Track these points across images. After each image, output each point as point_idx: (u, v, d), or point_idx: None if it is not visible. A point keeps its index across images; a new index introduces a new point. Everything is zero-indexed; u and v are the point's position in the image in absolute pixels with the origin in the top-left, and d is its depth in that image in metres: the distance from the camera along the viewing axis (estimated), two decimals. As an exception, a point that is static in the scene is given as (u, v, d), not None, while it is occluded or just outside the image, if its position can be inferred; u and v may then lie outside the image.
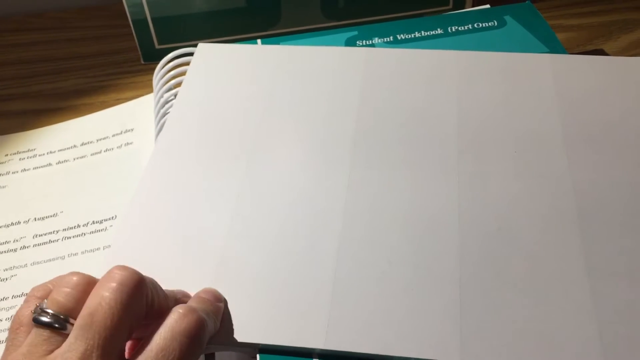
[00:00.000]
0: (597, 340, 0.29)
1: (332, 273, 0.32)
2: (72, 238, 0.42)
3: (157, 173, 0.37)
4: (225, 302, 0.31)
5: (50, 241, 0.42)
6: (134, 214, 0.35)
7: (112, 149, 0.48)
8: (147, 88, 0.53)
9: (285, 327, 0.30)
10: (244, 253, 0.33)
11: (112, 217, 0.42)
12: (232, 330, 0.30)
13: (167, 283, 0.30)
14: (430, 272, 0.32)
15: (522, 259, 0.32)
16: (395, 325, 0.30)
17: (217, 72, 0.44)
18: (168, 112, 0.43)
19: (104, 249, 0.41)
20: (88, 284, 0.26)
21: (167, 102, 0.45)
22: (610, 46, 0.54)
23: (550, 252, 0.32)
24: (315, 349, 0.29)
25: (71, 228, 0.42)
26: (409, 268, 0.32)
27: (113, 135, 0.49)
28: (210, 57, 0.45)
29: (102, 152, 0.48)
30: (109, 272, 0.26)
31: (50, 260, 0.41)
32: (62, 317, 0.25)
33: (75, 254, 0.41)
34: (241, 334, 0.30)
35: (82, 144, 0.49)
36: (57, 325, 0.25)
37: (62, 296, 0.26)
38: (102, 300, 0.25)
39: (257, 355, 0.30)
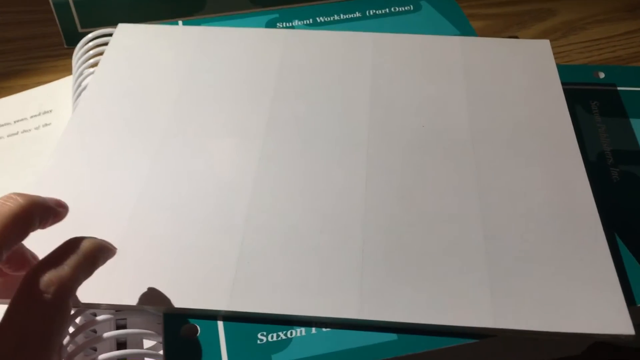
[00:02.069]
0: (489, 297, 0.30)
1: (239, 239, 0.32)
2: (-16, 217, 0.41)
3: (70, 143, 0.37)
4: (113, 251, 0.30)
5: (-39, 221, 0.41)
6: (46, 182, 0.35)
7: (30, 130, 0.47)
8: (69, 71, 0.52)
9: (190, 291, 0.30)
10: (151, 220, 0.33)
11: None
12: (137, 295, 0.30)
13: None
14: (334, 237, 0.33)
15: (422, 225, 0.33)
16: (298, 287, 0.30)
17: (135, 51, 0.44)
18: (85, 91, 0.42)
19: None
20: None
21: (85, 81, 0.45)
22: (524, 34, 0.57)
23: (449, 218, 0.34)
24: (219, 311, 0.30)
25: (-16, 207, 0.42)
26: (314, 234, 0.33)
27: (31, 117, 0.48)
28: (129, 37, 0.45)
29: (19, 133, 0.47)
30: None
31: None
32: None
33: (-12, 233, 0.40)
34: (145, 298, 0.30)
35: (-1, 126, 0.48)
36: None
37: None
38: None
39: (162, 319, 0.30)
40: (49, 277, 0.25)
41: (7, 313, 0.24)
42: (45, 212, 0.28)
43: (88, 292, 0.30)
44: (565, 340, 0.31)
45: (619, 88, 0.45)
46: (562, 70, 0.43)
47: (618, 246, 0.34)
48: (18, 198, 0.27)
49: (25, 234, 0.27)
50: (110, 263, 0.31)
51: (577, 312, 0.30)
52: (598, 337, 0.29)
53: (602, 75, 0.46)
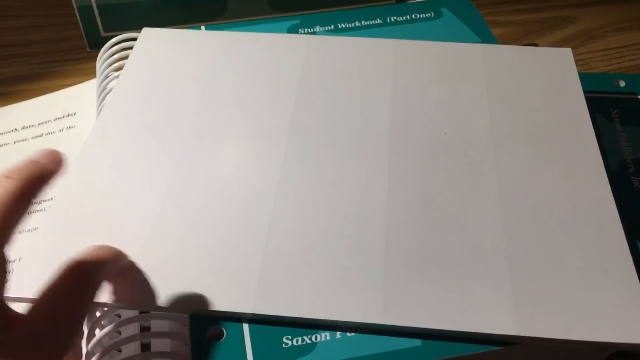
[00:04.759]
0: (512, 304, 0.30)
1: (264, 243, 0.33)
2: (9, 218, 0.42)
3: (95, 147, 0.38)
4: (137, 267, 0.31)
5: (-13, 221, 0.42)
6: (71, 184, 0.36)
7: (54, 132, 0.48)
8: (92, 75, 0.53)
9: (215, 293, 0.31)
10: (176, 223, 0.34)
11: (51, 198, 0.42)
12: (163, 297, 0.30)
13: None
14: (357, 241, 0.33)
15: (444, 230, 0.33)
16: (322, 291, 0.31)
17: (160, 55, 0.44)
18: (109, 94, 0.43)
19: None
20: None
21: (109, 85, 0.45)
22: (543, 41, 0.57)
23: (472, 224, 0.34)
24: (244, 314, 0.30)
25: (9, 209, 0.42)
26: (338, 238, 0.33)
27: (55, 119, 0.49)
28: (154, 41, 0.46)
29: (43, 135, 0.47)
30: None
31: (-14, 240, 0.40)
32: None
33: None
34: (171, 301, 0.30)
35: (23, 128, 0.48)
36: None
37: None
38: None
39: (188, 321, 0.30)
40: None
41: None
42: (42, 181, 0.27)
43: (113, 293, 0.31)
44: (586, 349, 0.31)
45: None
46: (582, 78, 0.43)
47: (641, 255, 0.34)
48: (10, 179, 0.26)
49: (25, 213, 0.26)
50: (136, 264, 0.32)
51: (600, 320, 0.30)
52: (620, 347, 0.30)
53: (622, 83, 0.46)
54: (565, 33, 0.58)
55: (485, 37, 0.47)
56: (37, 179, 0.27)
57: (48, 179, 0.27)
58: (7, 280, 0.25)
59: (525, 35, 0.57)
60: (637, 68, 0.54)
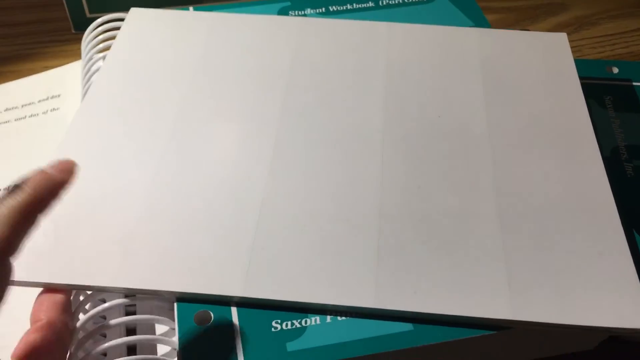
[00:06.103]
0: (506, 289, 0.30)
1: (254, 226, 0.32)
2: (-9, 201, 0.41)
3: (81, 129, 0.37)
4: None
5: (-32, 204, 0.40)
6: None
7: (38, 114, 0.46)
8: (77, 56, 0.52)
9: (203, 276, 0.30)
10: (166, 205, 0.33)
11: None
12: (150, 279, 0.30)
13: (87, 234, 0.30)
14: (350, 225, 0.32)
15: (439, 214, 0.33)
16: (313, 275, 0.30)
17: (147, 35, 0.43)
18: (95, 75, 0.42)
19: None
20: None
21: (94, 66, 0.44)
22: (536, 28, 0.56)
23: (466, 208, 0.33)
24: (233, 297, 0.29)
25: (-9, 191, 0.41)
26: (329, 222, 0.32)
27: (39, 101, 0.47)
28: (141, 21, 0.45)
29: (27, 117, 0.46)
30: None
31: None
32: None
33: (-5, 217, 0.40)
34: (159, 282, 0.30)
35: (6, 110, 0.47)
36: None
37: None
38: None
39: (175, 304, 0.30)
40: None
41: None
42: (52, 195, 0.26)
43: (100, 275, 0.30)
44: (580, 333, 0.30)
45: (634, 83, 0.45)
46: (576, 64, 0.42)
47: (636, 241, 0.34)
48: (20, 190, 0.25)
49: (33, 226, 0.25)
50: (123, 247, 0.31)
51: (594, 305, 0.29)
52: (614, 331, 0.29)
53: (615, 70, 0.46)
54: (559, 20, 0.57)
55: (479, 23, 0.47)
56: (47, 192, 0.26)
57: (58, 192, 0.26)
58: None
59: (519, 22, 0.57)
60: (630, 55, 0.53)
